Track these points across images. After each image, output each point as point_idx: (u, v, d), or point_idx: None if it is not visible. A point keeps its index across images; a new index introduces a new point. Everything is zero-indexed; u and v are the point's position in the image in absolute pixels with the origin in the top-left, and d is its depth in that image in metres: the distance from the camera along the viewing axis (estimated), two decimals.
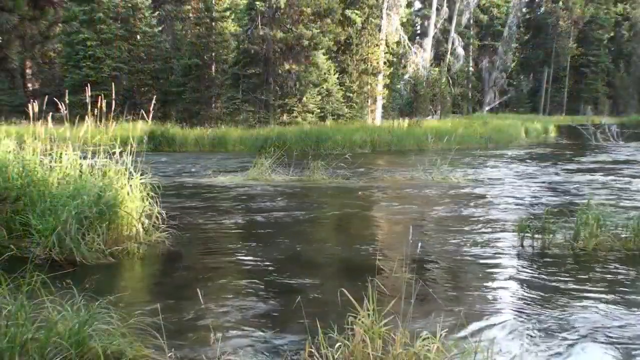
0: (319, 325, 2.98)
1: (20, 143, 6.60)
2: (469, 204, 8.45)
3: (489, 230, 6.62)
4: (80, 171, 5.91)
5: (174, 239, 5.84)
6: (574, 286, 4.51)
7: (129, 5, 29.34)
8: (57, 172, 5.87)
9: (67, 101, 6.26)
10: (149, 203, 5.85)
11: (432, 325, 3.30)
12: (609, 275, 4.79)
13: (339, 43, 28.04)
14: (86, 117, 6.28)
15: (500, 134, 23.40)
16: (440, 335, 2.86)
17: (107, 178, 5.81)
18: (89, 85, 7.60)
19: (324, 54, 26.03)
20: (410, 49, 34.99)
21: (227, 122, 23.36)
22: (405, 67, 36.09)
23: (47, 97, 7.65)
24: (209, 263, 5.30)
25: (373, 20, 28.85)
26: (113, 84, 9.39)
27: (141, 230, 5.65)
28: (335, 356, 2.83)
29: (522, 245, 5.78)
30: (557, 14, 47.18)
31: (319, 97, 25.89)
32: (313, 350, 2.88)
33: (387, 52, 30.59)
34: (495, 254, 5.55)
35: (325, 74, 26.09)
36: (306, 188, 10.08)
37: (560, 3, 47.53)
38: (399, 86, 37.84)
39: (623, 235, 5.66)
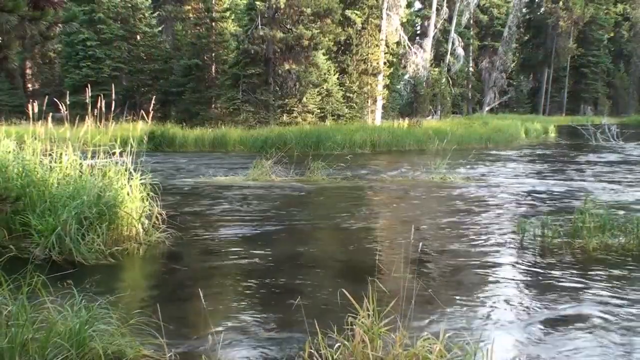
0: (318, 326, 2.98)
1: (20, 143, 6.60)
2: (469, 204, 8.45)
3: (489, 230, 6.62)
4: (80, 171, 5.91)
5: (174, 239, 5.84)
6: (574, 286, 4.52)
7: (129, 5, 29.35)
8: (57, 173, 5.88)
9: (67, 101, 6.27)
10: (149, 203, 5.85)
11: (432, 326, 3.30)
12: (609, 276, 4.79)
13: (339, 43, 28.02)
14: (86, 117, 6.30)
15: (500, 134, 23.37)
16: (441, 336, 2.85)
17: (107, 178, 5.82)
18: (89, 85, 7.62)
19: (324, 54, 26.01)
20: (410, 49, 34.96)
21: (227, 123, 23.34)
22: (405, 67, 36.07)
23: (47, 97, 7.68)
24: (209, 263, 5.31)
25: (373, 20, 28.84)
26: (113, 84, 9.41)
27: (141, 230, 5.66)
28: (335, 356, 2.83)
29: (522, 245, 5.78)
30: (557, 14, 47.05)
31: (319, 97, 25.87)
32: (313, 351, 2.87)
33: (387, 53, 30.56)
34: (495, 253, 5.55)
35: (325, 74, 26.07)
36: (306, 188, 10.07)
37: (560, 3, 47.40)
38: (399, 86, 37.85)
39: (622, 236, 5.66)
